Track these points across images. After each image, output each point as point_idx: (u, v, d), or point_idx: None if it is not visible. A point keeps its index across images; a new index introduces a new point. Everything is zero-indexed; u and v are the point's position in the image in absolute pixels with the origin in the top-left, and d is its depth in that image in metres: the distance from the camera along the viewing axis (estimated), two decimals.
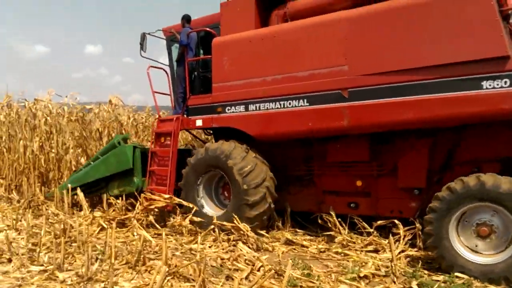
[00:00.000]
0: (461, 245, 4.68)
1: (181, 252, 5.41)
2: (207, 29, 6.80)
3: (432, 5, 4.80)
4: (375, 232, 5.70)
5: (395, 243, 5.15)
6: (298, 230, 6.54)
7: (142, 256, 4.72)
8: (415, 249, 5.33)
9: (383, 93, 5.11)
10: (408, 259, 5.07)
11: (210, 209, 6.64)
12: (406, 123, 5.10)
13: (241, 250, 5.26)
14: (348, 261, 5.09)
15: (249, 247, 5.44)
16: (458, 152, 5.32)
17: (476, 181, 4.48)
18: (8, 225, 6.86)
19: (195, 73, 7.26)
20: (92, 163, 8.07)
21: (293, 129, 5.88)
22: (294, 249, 5.70)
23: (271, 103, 5.98)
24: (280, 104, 5.91)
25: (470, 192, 4.50)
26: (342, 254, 5.36)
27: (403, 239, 5.38)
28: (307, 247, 5.71)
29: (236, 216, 5.91)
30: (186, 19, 7.07)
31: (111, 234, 4.73)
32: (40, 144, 10.06)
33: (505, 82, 4.44)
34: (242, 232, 5.75)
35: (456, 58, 4.65)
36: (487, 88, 4.53)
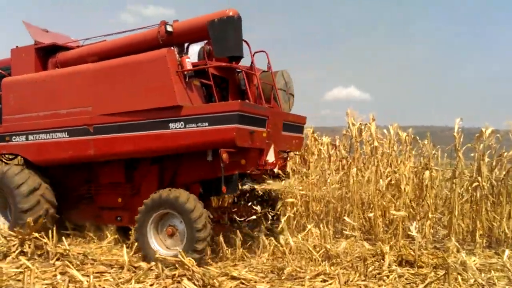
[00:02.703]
0: (159, 243, 6.21)
1: None
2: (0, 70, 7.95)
3: (131, 65, 6.42)
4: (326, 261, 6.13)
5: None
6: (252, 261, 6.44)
7: None
8: None
9: (112, 130, 6.56)
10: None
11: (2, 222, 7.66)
12: (129, 153, 6.61)
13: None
14: None
15: (194, 284, 5.14)
16: (177, 176, 6.87)
17: (158, 194, 6.05)
18: None
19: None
20: None
21: (59, 156, 7.16)
22: (243, 283, 5.40)
23: (43, 134, 7.23)
24: (50, 135, 7.17)
25: (155, 202, 6.11)
26: None
27: None
28: (257, 282, 5.48)
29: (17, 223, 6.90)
30: None
31: (30, 275, 4.22)
32: None
33: (181, 124, 6.05)
34: (186, 267, 5.39)
35: (152, 104, 6.22)
36: (172, 129, 6.11)
